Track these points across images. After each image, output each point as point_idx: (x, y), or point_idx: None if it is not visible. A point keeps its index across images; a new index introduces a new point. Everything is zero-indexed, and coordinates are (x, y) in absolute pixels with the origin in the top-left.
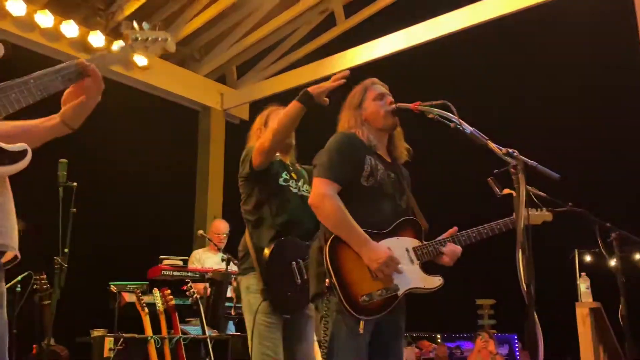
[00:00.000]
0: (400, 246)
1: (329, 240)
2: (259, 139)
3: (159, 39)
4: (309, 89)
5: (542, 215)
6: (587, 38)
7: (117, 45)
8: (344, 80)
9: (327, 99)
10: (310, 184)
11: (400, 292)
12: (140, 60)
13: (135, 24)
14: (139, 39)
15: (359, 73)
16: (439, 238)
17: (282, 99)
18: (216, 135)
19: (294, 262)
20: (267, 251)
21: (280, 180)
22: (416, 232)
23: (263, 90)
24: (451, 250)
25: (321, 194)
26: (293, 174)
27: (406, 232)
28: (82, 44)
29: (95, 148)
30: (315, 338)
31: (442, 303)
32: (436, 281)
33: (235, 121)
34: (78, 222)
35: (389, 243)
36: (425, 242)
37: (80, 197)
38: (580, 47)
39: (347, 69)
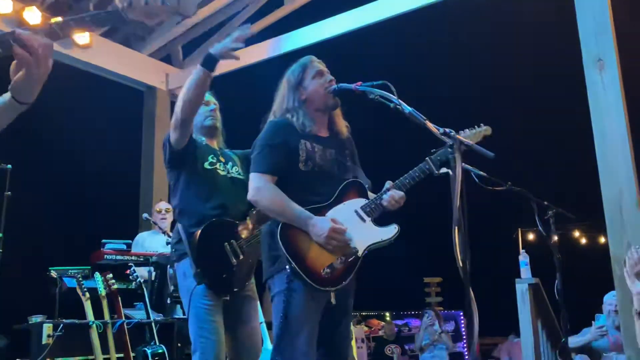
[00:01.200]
0: (348, 209)
1: (279, 227)
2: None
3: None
4: (211, 50)
5: (481, 132)
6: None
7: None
8: (247, 36)
9: (237, 55)
10: (241, 166)
11: (360, 252)
12: (81, 38)
13: None
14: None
15: (308, 54)
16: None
17: (227, 78)
18: (161, 117)
19: (226, 243)
20: (197, 234)
21: (206, 164)
22: (360, 192)
23: None
24: (390, 195)
25: (256, 187)
26: (221, 157)
27: (350, 195)
28: (17, 20)
29: (33, 129)
30: (264, 319)
31: (391, 281)
32: (392, 230)
33: None
34: (14, 205)
35: (336, 211)
36: (370, 199)
37: (17, 180)
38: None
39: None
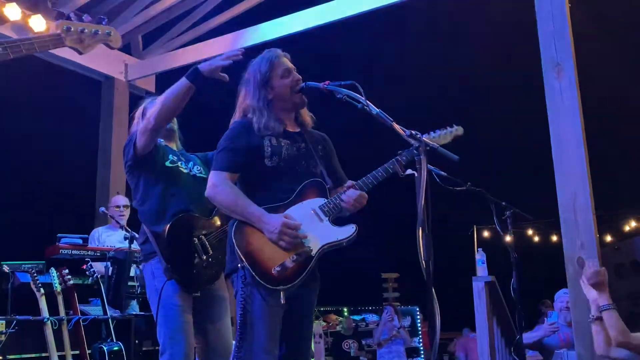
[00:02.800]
0: (307, 208)
1: (234, 225)
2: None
3: (99, 32)
4: (199, 66)
5: (452, 132)
6: (494, 28)
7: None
8: (239, 57)
9: (225, 75)
10: (202, 166)
11: (314, 252)
12: (38, 26)
13: (72, 15)
14: (72, 29)
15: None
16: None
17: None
18: (120, 108)
19: (196, 239)
20: (165, 229)
21: (167, 163)
22: (320, 191)
23: (171, 62)
24: (348, 196)
25: (212, 184)
26: (181, 157)
27: (310, 194)
28: (23, 27)
29: None
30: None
31: (349, 277)
32: (349, 229)
33: (140, 93)
34: None
35: (294, 210)
36: (329, 198)
37: None
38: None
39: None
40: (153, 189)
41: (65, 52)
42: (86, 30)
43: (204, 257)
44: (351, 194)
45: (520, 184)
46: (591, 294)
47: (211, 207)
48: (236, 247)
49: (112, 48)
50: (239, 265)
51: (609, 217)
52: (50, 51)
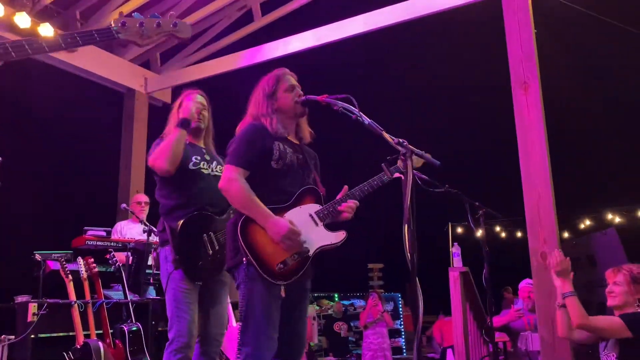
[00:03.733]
0: (304, 213)
1: (241, 221)
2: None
3: (161, 24)
4: (182, 117)
5: (422, 158)
6: (468, 41)
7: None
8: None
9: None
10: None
11: (311, 252)
12: (44, 31)
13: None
14: (128, 24)
15: (275, 65)
16: (336, 199)
17: (201, 85)
18: (139, 117)
19: (205, 235)
20: (179, 224)
21: (190, 165)
22: (316, 198)
23: (184, 76)
24: (347, 205)
25: (228, 178)
26: (206, 155)
27: (307, 200)
28: (7, 24)
29: (21, 125)
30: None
31: (340, 267)
32: (341, 235)
33: (158, 104)
34: (4, 195)
35: (293, 213)
36: (324, 205)
37: (6, 172)
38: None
39: (261, 62)
40: (175, 188)
41: (93, 67)
42: (146, 24)
43: (210, 252)
44: (350, 204)
45: (491, 186)
46: (557, 282)
47: (226, 204)
48: (241, 243)
49: (179, 39)
50: (244, 259)
51: (567, 216)
52: (79, 66)
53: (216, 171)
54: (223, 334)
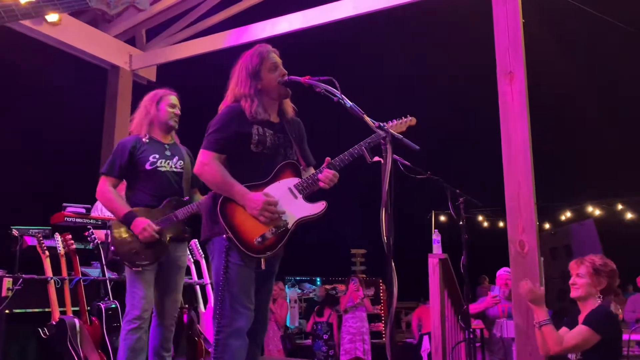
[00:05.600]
0: (283, 187)
1: (220, 201)
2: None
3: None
4: (140, 229)
5: (406, 122)
6: (455, 29)
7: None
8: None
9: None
10: (186, 162)
11: (290, 225)
12: (50, 16)
13: None
14: None
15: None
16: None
17: (186, 63)
18: (123, 94)
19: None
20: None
21: (147, 165)
22: (295, 171)
23: (170, 55)
24: (324, 175)
25: (202, 162)
26: (167, 152)
27: (286, 174)
28: None
29: (2, 99)
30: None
31: (323, 252)
32: (320, 205)
33: (142, 82)
34: None
35: (272, 188)
36: (304, 178)
37: None
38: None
39: (248, 42)
40: (134, 190)
41: (77, 41)
42: None
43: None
44: (327, 173)
45: (472, 175)
46: (533, 309)
47: (183, 196)
48: (221, 219)
49: (139, 10)
50: (225, 235)
51: (548, 208)
52: (63, 40)
53: (175, 167)
54: (177, 310)
